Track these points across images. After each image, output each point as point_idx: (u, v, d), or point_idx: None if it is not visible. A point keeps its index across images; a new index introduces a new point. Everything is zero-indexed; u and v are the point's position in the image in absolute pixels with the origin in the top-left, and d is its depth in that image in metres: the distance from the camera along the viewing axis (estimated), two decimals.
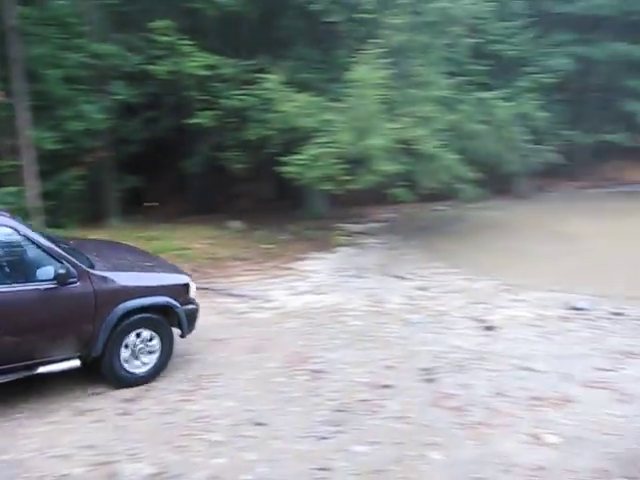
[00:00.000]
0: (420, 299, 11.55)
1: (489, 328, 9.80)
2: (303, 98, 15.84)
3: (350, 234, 18.15)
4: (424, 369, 7.88)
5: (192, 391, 7.17)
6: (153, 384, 7.30)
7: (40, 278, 6.38)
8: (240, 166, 17.18)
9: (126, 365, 7.14)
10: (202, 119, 16.34)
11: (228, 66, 16.84)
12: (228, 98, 16.56)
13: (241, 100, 16.53)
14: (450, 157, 17.16)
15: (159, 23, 15.98)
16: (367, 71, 15.24)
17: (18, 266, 6.42)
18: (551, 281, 13.03)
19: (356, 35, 17.28)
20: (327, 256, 15.43)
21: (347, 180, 15.20)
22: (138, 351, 7.22)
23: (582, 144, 28.53)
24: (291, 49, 18.19)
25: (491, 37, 25.12)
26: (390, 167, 15.30)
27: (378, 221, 20.96)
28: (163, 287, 7.35)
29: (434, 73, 18.43)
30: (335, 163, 15.06)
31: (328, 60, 17.93)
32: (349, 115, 15.43)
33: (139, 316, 7.07)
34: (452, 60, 21.11)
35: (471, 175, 17.73)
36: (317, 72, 17.64)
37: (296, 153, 15.25)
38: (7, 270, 6.35)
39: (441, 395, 7.10)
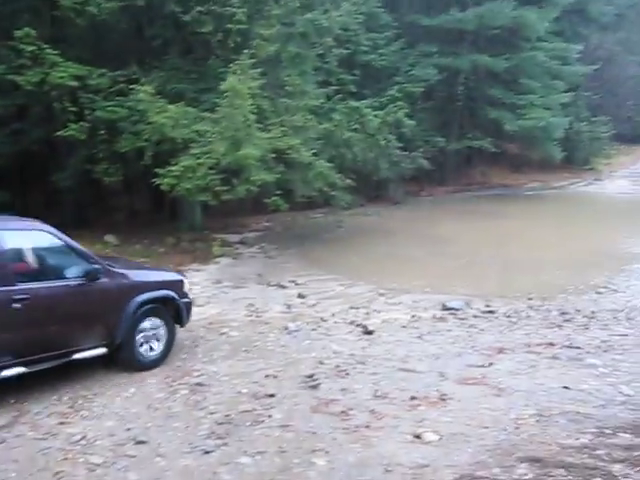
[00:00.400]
0: (300, 307, 11.40)
1: (368, 332, 9.70)
2: (176, 109, 15.53)
3: (228, 244, 17.87)
4: (306, 376, 7.73)
5: (69, 413, 6.81)
6: (26, 407, 6.88)
7: (73, 275, 7.23)
8: (113, 179, 16.66)
9: (142, 350, 8.03)
10: (72, 131, 15.73)
11: (98, 77, 16.26)
12: (99, 109, 16.03)
13: (112, 112, 16.02)
14: (324, 165, 17.29)
15: (22, 32, 15.29)
16: (239, 81, 15.06)
17: (57, 265, 7.27)
18: (425, 283, 13.14)
19: (229, 45, 17.12)
20: (205, 267, 15.08)
21: (223, 190, 15.03)
22: (150, 337, 8.12)
23: (450, 150, 29.41)
24: (163, 59, 17.74)
25: (361, 48, 25.61)
26: (265, 176, 15.29)
27: (256, 230, 20.73)
28: (166, 282, 8.38)
29: (306, 83, 18.53)
30: (210, 174, 14.86)
31: (201, 70, 17.68)
32: (223, 125, 15.23)
33: (150, 306, 7.98)
34: (324, 70, 21.35)
35: (344, 182, 17.82)
36: (190, 82, 17.34)
37: (170, 164, 14.94)
38: (49, 268, 7.23)
39: (324, 401, 6.98)
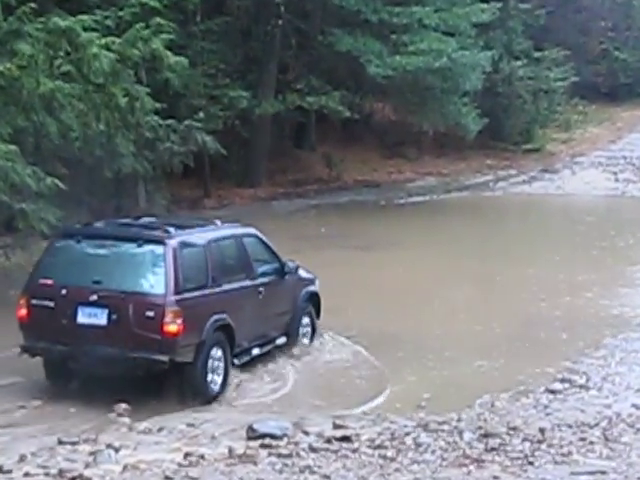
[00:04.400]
0: None
1: None
2: None
3: None
4: None
5: None
6: None
7: (274, 271, 9.84)
8: None
9: (304, 339, 10.52)
10: None
11: None
12: None
13: None
14: None
15: None
16: None
17: (267, 263, 9.87)
18: None
19: None
20: None
21: None
22: (304, 326, 10.52)
23: (263, 116, 23.03)
24: None
25: None
26: None
27: None
28: (312, 279, 10.82)
29: None
30: None
31: None
32: None
33: (308, 298, 10.64)
34: None
35: (49, 184, 13.22)
36: None
37: None
38: (264, 266, 9.77)
39: None
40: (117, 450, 8.30)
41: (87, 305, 8.33)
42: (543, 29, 30.81)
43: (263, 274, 9.61)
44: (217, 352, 8.75)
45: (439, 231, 19.04)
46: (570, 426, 8.89)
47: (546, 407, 9.89)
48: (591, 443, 8.20)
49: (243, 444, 8.55)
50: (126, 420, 8.92)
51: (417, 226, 19.38)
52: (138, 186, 18.48)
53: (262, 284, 9.46)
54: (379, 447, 8.28)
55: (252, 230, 10.10)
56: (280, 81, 22.91)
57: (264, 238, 10.01)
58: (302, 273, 10.51)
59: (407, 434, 8.66)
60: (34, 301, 8.53)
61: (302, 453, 8.33)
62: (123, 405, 9.16)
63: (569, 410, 9.62)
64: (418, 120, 25.74)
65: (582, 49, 33.84)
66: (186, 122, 17.84)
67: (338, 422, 9.05)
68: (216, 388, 8.83)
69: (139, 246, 8.60)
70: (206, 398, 8.74)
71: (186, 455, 8.24)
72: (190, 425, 8.99)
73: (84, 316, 8.37)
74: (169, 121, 17.26)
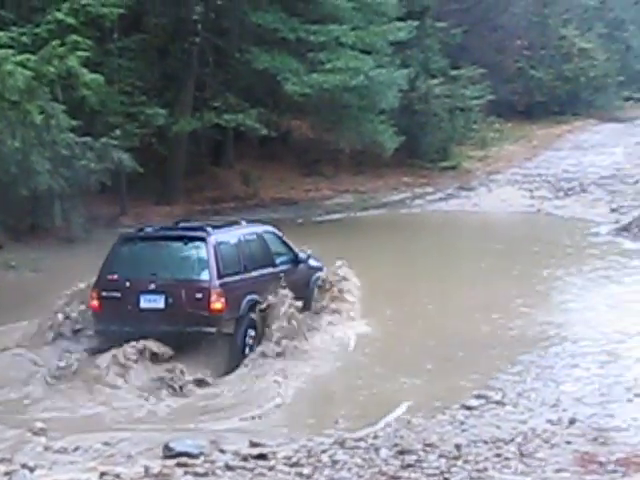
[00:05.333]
0: None
1: None
2: None
3: None
4: None
5: None
6: None
7: (289, 260, 11.88)
8: None
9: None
10: None
11: None
12: None
13: None
14: None
15: None
16: None
17: (282, 254, 11.87)
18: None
19: None
20: None
21: None
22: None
23: (180, 134, 22.46)
24: None
25: None
26: None
27: None
28: (320, 267, 12.95)
29: None
30: None
31: None
32: None
33: (316, 282, 12.76)
34: None
35: None
36: None
37: None
38: (281, 256, 11.81)
39: None
40: (32, 470, 8.26)
41: (147, 293, 10.23)
42: (460, 47, 30.93)
43: (281, 263, 11.58)
44: (251, 325, 10.77)
45: (356, 248, 18.58)
46: (486, 442, 8.98)
47: (462, 423, 9.86)
48: (506, 459, 8.31)
49: (159, 463, 8.48)
50: (42, 439, 8.97)
51: (334, 243, 18.99)
52: (54, 204, 18.02)
53: (281, 271, 11.36)
54: (295, 465, 8.32)
55: (270, 228, 12.25)
56: (197, 99, 22.65)
57: (280, 234, 12.05)
58: (312, 262, 12.43)
59: (324, 451, 8.69)
60: (104, 293, 10.39)
61: (218, 472, 8.35)
62: (39, 424, 9.10)
63: (485, 426, 9.61)
64: (335, 138, 25.50)
65: (498, 67, 33.72)
66: (103, 140, 17.67)
67: (254, 440, 9.00)
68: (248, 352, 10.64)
69: (185, 244, 10.78)
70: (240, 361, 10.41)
71: (102, 474, 8.15)
72: (106, 444, 9.00)
73: (145, 302, 10.24)
74: (85, 139, 17.11)
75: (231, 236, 11.27)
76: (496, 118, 33.02)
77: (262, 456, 8.47)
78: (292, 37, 21.63)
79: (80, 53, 16.00)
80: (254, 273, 11.05)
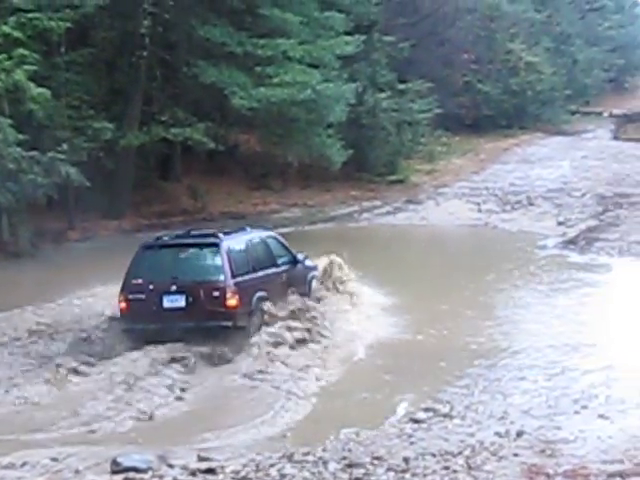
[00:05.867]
0: None
1: None
2: None
3: None
4: None
5: None
6: None
7: (288, 262, 13.05)
8: None
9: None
10: None
11: None
12: None
13: None
14: None
15: None
16: None
17: (281, 256, 13.04)
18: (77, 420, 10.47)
19: None
20: None
21: None
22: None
23: (127, 148, 22.37)
24: None
25: None
26: None
27: None
28: (315, 267, 14.10)
29: None
30: None
31: None
32: None
33: (311, 280, 13.95)
34: None
35: None
36: None
37: None
38: (281, 258, 13.00)
39: None
40: None
41: (169, 294, 11.30)
42: (407, 61, 30.77)
43: (283, 263, 12.79)
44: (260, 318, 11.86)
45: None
46: (434, 455, 8.89)
47: (410, 436, 9.78)
48: (454, 471, 8.25)
49: (107, 478, 8.43)
50: None
51: None
52: (1, 218, 17.97)
53: (283, 271, 12.69)
54: (244, 479, 8.21)
55: (272, 233, 13.85)
56: (145, 113, 22.43)
57: (281, 238, 13.43)
58: (308, 262, 13.69)
59: (272, 465, 8.60)
60: (130, 296, 11.38)
61: None
62: None
63: (433, 439, 9.52)
64: (283, 151, 25.04)
65: (445, 81, 33.43)
66: (50, 154, 17.52)
67: (203, 454, 8.98)
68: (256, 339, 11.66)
69: (201, 249, 12.07)
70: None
71: None
72: (54, 459, 8.89)
73: (168, 302, 11.29)
74: (32, 153, 16.98)
75: (240, 241, 12.43)
76: (444, 132, 32.79)
77: (210, 470, 8.40)
78: (240, 51, 21.53)
79: (27, 67, 16.08)
80: (260, 273, 12.20)
